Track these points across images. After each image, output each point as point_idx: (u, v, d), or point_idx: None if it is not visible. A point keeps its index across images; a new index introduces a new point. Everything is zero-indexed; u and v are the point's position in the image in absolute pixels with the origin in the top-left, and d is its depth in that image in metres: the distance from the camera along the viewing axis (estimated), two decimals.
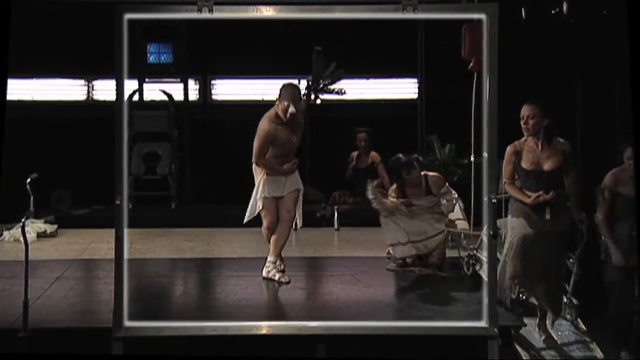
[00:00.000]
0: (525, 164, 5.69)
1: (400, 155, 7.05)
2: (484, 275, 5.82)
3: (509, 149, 5.74)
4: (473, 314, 5.41)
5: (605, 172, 5.91)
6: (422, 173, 7.01)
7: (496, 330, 5.20)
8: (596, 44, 6.18)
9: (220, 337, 5.28)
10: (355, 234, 8.72)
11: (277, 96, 6.45)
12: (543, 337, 5.74)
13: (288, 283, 6.50)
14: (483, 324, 5.23)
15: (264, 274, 6.62)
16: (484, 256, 6.22)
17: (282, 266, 6.66)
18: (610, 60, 5.70)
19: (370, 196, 6.94)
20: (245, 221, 6.68)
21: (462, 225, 7.15)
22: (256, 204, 6.57)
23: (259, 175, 6.57)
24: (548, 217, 5.63)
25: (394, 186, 7.14)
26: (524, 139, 5.77)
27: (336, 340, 5.37)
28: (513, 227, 5.74)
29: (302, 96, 6.45)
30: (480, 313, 5.27)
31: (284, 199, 6.58)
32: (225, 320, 5.52)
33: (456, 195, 7.06)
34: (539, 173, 5.66)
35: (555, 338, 5.75)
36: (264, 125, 6.42)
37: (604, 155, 6.04)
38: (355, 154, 9.68)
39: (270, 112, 6.47)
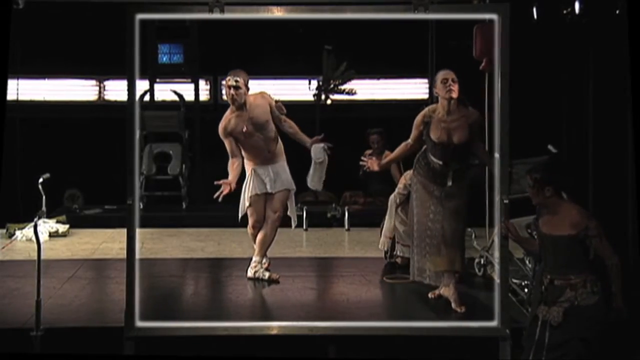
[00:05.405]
0: (433, 135, 5.72)
1: None
2: (496, 276, 5.79)
3: (419, 117, 5.85)
4: (485, 314, 5.39)
5: (616, 171, 5.88)
6: None
7: (508, 330, 5.18)
8: (608, 43, 6.15)
9: (231, 337, 5.29)
10: (365, 234, 8.69)
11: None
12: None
13: (277, 280, 6.47)
14: (494, 324, 5.21)
15: (249, 274, 6.56)
16: (495, 257, 6.18)
17: (267, 264, 6.62)
18: (622, 59, 5.66)
19: None
20: (239, 218, 6.64)
21: None
22: (244, 202, 6.54)
23: (248, 171, 6.57)
24: (450, 183, 5.71)
25: None
26: (433, 106, 5.81)
27: (347, 341, 5.37)
28: (415, 189, 5.86)
29: (246, 81, 6.49)
30: (491, 313, 5.26)
31: (272, 198, 6.53)
32: (236, 320, 5.54)
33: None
34: (446, 145, 5.69)
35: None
36: (222, 120, 6.48)
37: (615, 154, 6.01)
38: (368, 152, 9.65)
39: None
